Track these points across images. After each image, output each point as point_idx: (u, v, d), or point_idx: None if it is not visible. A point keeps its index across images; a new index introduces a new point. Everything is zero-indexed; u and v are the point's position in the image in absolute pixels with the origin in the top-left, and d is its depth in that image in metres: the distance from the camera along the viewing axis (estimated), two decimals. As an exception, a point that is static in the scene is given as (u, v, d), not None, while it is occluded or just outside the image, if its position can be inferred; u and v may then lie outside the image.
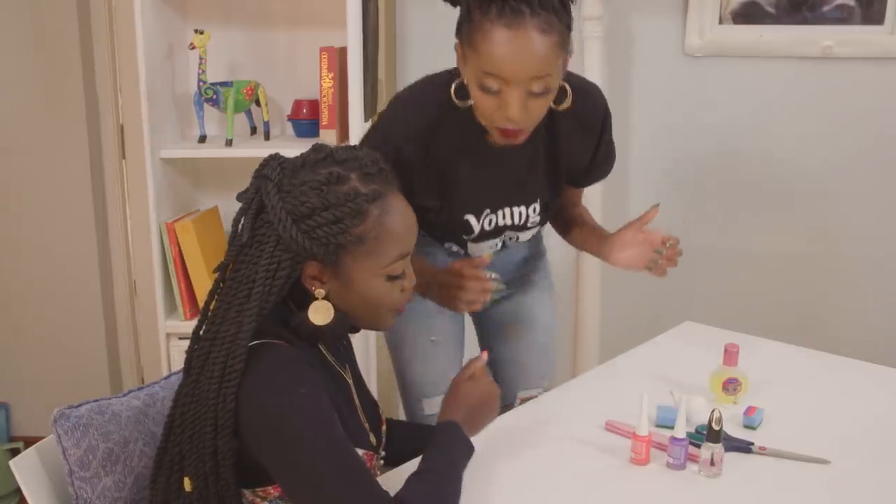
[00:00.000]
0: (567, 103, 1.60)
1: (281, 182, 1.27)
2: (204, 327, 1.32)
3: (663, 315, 2.41)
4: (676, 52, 2.70)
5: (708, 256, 2.81)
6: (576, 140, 1.73)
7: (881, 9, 2.57)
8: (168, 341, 2.47)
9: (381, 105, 2.56)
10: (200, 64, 2.37)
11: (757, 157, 2.74)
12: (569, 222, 1.93)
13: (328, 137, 2.39)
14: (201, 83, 2.38)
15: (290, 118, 2.54)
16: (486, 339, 2.02)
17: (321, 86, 2.37)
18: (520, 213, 1.77)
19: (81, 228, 2.88)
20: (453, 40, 1.58)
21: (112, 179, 2.89)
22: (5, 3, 2.72)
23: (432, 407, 1.92)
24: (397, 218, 1.31)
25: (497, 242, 1.83)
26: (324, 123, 2.39)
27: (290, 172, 1.29)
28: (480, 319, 2.02)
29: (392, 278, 1.33)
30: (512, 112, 1.49)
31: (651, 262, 1.73)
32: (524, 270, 1.98)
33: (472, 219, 1.74)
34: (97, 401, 1.43)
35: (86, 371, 2.97)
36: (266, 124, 2.51)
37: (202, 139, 2.47)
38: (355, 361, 1.52)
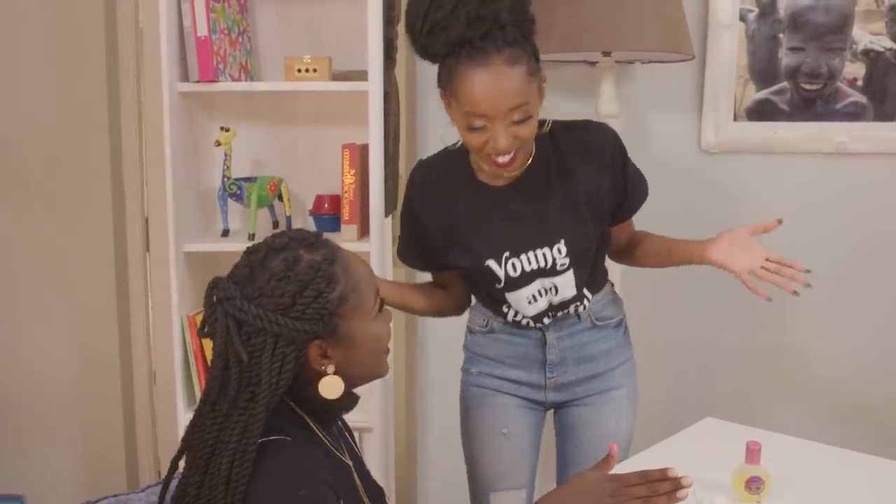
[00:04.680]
0: (546, 128, 1.74)
1: (243, 294, 1.30)
2: (208, 419, 1.30)
3: (683, 411, 2.39)
4: (693, 149, 2.74)
5: (727, 353, 2.80)
6: (589, 172, 1.78)
7: (893, 105, 2.62)
8: (186, 434, 2.46)
9: (402, 200, 2.60)
10: (225, 160, 2.43)
11: (774, 252, 2.75)
12: (642, 244, 1.95)
13: (349, 232, 2.42)
14: (226, 178, 2.43)
15: (312, 213, 2.58)
16: (561, 439, 2.01)
17: (343, 182, 2.41)
18: (543, 255, 1.78)
19: (104, 319, 2.91)
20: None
21: (136, 271, 2.93)
22: (37, 97, 2.81)
23: (500, 502, 1.93)
24: (355, 264, 1.38)
25: (533, 294, 1.82)
26: (345, 218, 2.43)
27: (246, 281, 1.31)
28: (562, 418, 2.00)
29: (379, 313, 1.40)
30: (500, 144, 1.61)
31: (752, 270, 1.75)
32: (608, 367, 1.95)
33: (493, 264, 1.79)
34: (115, 496, 1.44)
35: (102, 463, 2.96)
36: (288, 219, 2.55)
37: (225, 233, 2.51)
38: (354, 444, 1.52)
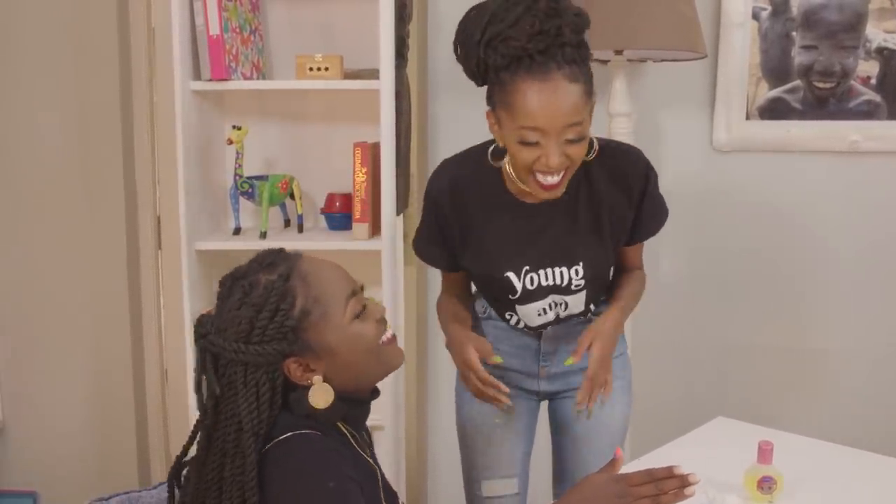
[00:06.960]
0: (593, 154, 1.69)
1: (215, 327, 1.33)
2: (202, 470, 1.32)
3: (695, 410, 2.39)
4: (705, 148, 2.73)
5: (739, 352, 2.79)
6: (617, 198, 1.78)
7: (907, 104, 2.60)
8: (198, 431, 2.47)
9: (413, 198, 2.60)
10: (237, 158, 2.43)
11: (786, 252, 2.74)
12: (620, 275, 1.94)
13: (360, 231, 2.43)
14: (237, 177, 2.44)
15: (323, 211, 2.59)
16: (555, 432, 2.03)
17: (354, 180, 2.41)
18: (561, 274, 1.79)
19: (116, 317, 2.91)
20: (483, 136, 1.69)
21: (147, 269, 2.94)
22: (50, 95, 2.82)
23: (491, 489, 1.96)
24: (318, 273, 1.35)
25: (544, 307, 1.83)
26: (356, 217, 2.43)
27: (218, 315, 1.34)
28: (554, 410, 2.02)
29: (357, 317, 1.36)
30: (552, 160, 1.58)
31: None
32: None
33: (512, 276, 1.79)
34: (127, 493, 1.45)
35: (114, 460, 2.97)
36: (300, 217, 2.55)
37: (237, 231, 2.52)
38: (373, 450, 1.52)
